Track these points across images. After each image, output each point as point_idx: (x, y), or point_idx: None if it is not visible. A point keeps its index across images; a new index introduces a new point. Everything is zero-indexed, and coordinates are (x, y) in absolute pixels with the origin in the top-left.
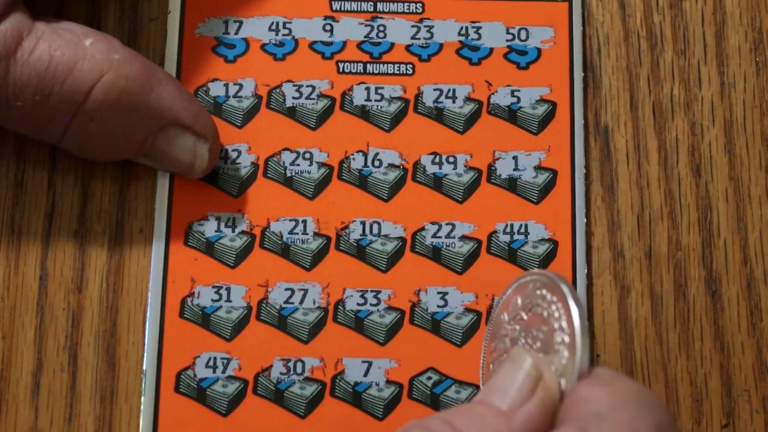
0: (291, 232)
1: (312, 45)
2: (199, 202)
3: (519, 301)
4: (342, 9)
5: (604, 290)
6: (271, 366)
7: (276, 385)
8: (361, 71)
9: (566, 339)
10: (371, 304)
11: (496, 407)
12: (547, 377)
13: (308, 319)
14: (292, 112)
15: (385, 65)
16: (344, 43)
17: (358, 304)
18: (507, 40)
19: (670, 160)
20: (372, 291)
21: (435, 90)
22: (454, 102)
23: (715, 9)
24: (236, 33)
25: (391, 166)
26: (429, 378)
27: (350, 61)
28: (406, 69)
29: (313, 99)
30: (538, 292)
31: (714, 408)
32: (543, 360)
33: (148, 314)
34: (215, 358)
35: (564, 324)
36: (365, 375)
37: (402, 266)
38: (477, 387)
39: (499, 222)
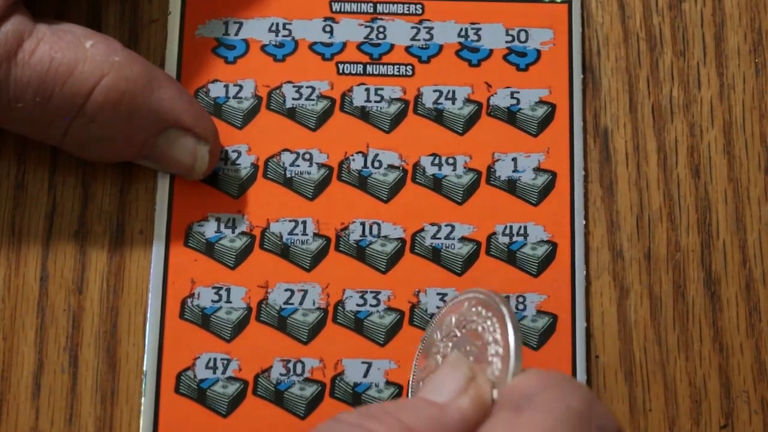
0: (291, 233)
1: (312, 46)
2: (199, 203)
3: (453, 319)
4: (342, 10)
5: (603, 291)
6: (271, 367)
7: (276, 385)
8: (361, 72)
9: (499, 351)
10: (371, 305)
11: (431, 400)
12: (480, 379)
13: (308, 319)
14: (292, 113)
15: (385, 66)
16: (344, 44)
17: (358, 305)
18: (506, 42)
19: (669, 162)
20: (372, 292)
21: (435, 91)
22: (453, 103)
23: (714, 10)
24: (236, 34)
25: (391, 167)
26: None
27: (350, 62)
28: (406, 70)
29: (313, 100)
30: (474, 309)
31: (713, 409)
32: (478, 367)
33: (148, 315)
34: (215, 359)
35: (498, 336)
36: (365, 376)
37: (401, 267)
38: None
39: (498, 223)
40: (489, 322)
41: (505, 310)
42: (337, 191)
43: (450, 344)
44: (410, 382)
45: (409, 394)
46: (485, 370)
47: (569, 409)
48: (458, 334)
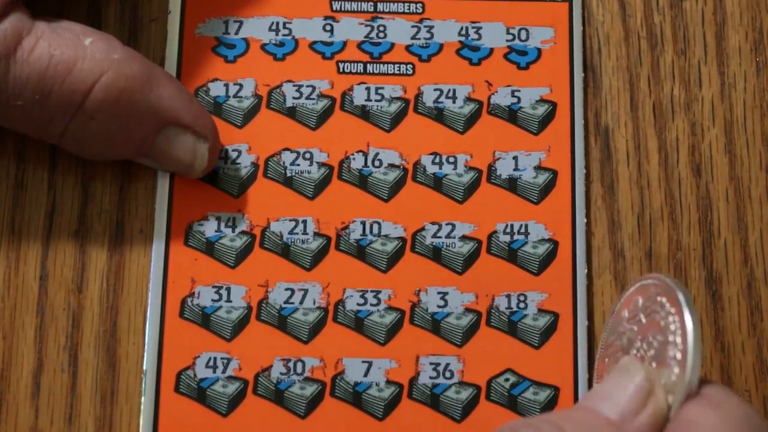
0: (291, 232)
1: (312, 45)
2: (199, 202)
3: (640, 302)
4: (342, 9)
5: (605, 290)
6: (271, 366)
7: (276, 385)
8: (362, 71)
9: (678, 356)
10: (371, 304)
11: (605, 416)
12: (658, 392)
13: (308, 319)
14: (292, 112)
15: (386, 65)
16: (344, 43)
17: (358, 304)
18: (507, 41)
19: (670, 161)
20: (372, 291)
21: (435, 90)
22: (454, 102)
23: (715, 9)
24: (236, 33)
25: (392, 166)
26: (429, 378)
27: (350, 61)
28: (407, 69)
29: (314, 99)
30: (658, 298)
31: None
32: (654, 373)
33: (148, 314)
34: (215, 358)
35: (678, 339)
36: (365, 375)
37: (402, 266)
38: (478, 388)
39: (499, 222)
40: (671, 319)
41: (687, 312)
42: (338, 190)
43: (635, 328)
44: (597, 355)
45: (595, 367)
46: (663, 374)
47: None
48: (643, 320)
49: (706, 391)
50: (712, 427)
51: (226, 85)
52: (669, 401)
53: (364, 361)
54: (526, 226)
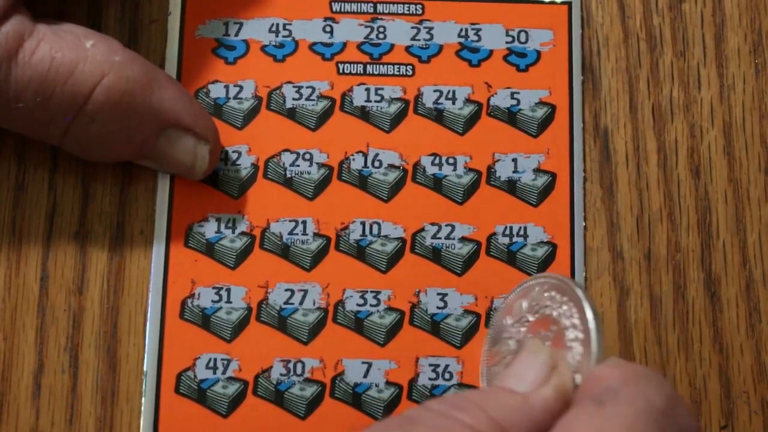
0: (291, 233)
1: (312, 46)
2: (199, 203)
3: (524, 304)
4: (342, 10)
5: (604, 292)
6: (271, 367)
7: (276, 386)
8: (361, 72)
9: (579, 335)
10: (371, 305)
11: (513, 389)
12: (562, 367)
13: (308, 319)
14: (292, 114)
15: (385, 66)
16: (344, 44)
17: (358, 305)
18: (507, 42)
19: (669, 162)
20: (372, 292)
21: (435, 91)
22: (453, 103)
23: (714, 11)
24: (236, 35)
25: (391, 166)
26: (429, 380)
27: (350, 62)
28: (406, 70)
29: (313, 100)
30: (546, 294)
31: (713, 409)
32: (557, 353)
33: (148, 315)
34: (215, 359)
35: (576, 321)
36: (365, 376)
37: (402, 267)
38: (477, 388)
39: (498, 224)
40: (565, 307)
41: (581, 295)
42: (338, 191)
43: (522, 329)
44: (481, 368)
45: (481, 379)
46: (565, 355)
47: (651, 406)
48: (530, 319)
49: (607, 360)
50: (612, 377)
51: (227, 87)
52: (577, 380)
53: (363, 362)
54: (525, 228)
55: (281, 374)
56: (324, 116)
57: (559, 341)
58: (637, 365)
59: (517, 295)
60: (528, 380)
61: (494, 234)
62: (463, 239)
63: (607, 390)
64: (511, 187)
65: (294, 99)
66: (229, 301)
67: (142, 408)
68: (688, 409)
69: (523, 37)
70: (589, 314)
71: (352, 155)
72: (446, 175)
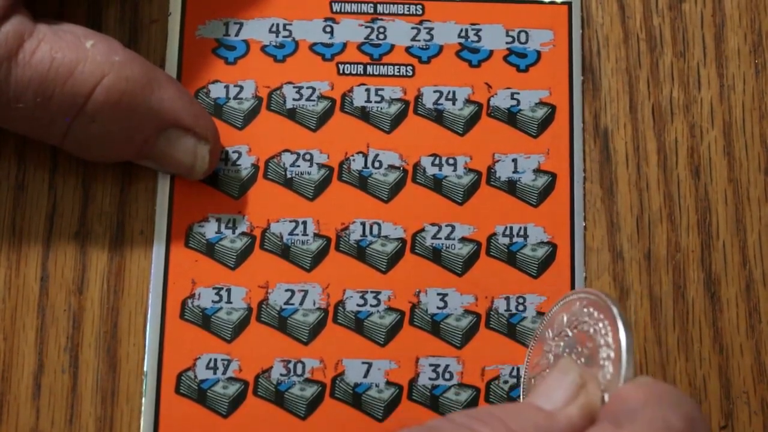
0: (291, 234)
1: (312, 46)
2: (199, 203)
3: (564, 318)
4: (342, 11)
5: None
6: (272, 367)
7: (276, 386)
8: (361, 73)
9: (611, 354)
10: (371, 305)
11: (539, 407)
12: (591, 386)
13: (308, 320)
14: (292, 114)
15: (385, 67)
16: (344, 45)
17: (358, 305)
18: (507, 43)
19: (669, 162)
20: (372, 292)
21: (435, 92)
22: (453, 104)
23: (714, 11)
24: (237, 35)
25: (391, 167)
26: (429, 380)
27: (350, 63)
28: (406, 71)
29: (314, 100)
30: (585, 310)
31: (713, 409)
32: (588, 372)
33: (148, 316)
34: (216, 360)
35: (610, 340)
36: (365, 376)
37: (402, 267)
38: (477, 389)
39: (498, 224)
40: (600, 325)
41: (617, 314)
42: (338, 191)
43: (561, 343)
44: (522, 378)
45: (521, 390)
46: (596, 374)
47: (669, 428)
48: (569, 334)
49: (637, 379)
50: (635, 398)
51: (227, 87)
52: (605, 399)
53: (364, 362)
54: (525, 228)
55: (281, 374)
56: (324, 117)
57: (594, 359)
58: (664, 384)
59: (559, 308)
60: (555, 399)
61: (494, 234)
62: (463, 239)
63: (627, 411)
64: (511, 187)
65: (294, 99)
66: (229, 302)
67: (143, 408)
68: (709, 430)
69: (523, 38)
70: (622, 334)
71: (353, 156)
72: (446, 176)
